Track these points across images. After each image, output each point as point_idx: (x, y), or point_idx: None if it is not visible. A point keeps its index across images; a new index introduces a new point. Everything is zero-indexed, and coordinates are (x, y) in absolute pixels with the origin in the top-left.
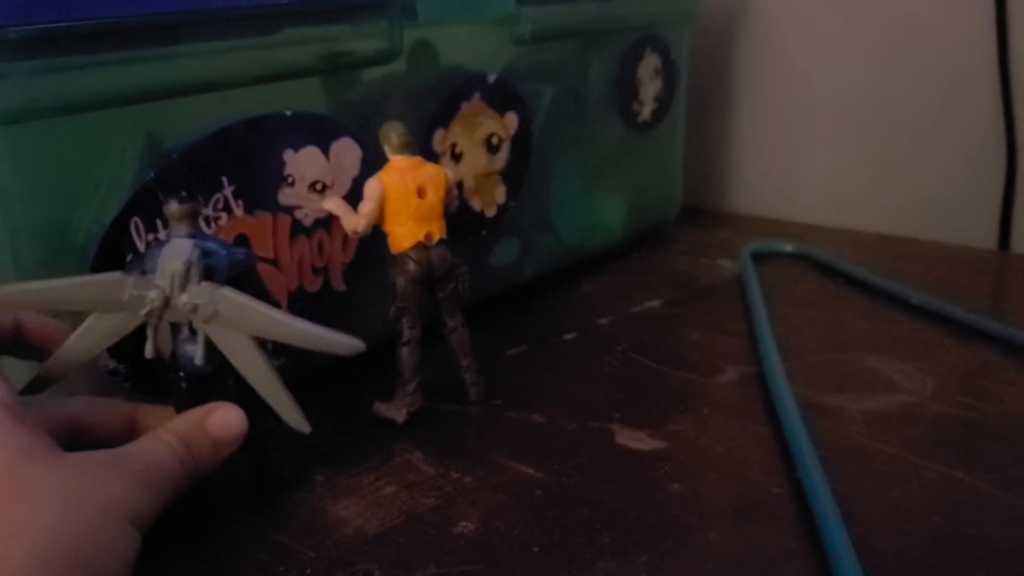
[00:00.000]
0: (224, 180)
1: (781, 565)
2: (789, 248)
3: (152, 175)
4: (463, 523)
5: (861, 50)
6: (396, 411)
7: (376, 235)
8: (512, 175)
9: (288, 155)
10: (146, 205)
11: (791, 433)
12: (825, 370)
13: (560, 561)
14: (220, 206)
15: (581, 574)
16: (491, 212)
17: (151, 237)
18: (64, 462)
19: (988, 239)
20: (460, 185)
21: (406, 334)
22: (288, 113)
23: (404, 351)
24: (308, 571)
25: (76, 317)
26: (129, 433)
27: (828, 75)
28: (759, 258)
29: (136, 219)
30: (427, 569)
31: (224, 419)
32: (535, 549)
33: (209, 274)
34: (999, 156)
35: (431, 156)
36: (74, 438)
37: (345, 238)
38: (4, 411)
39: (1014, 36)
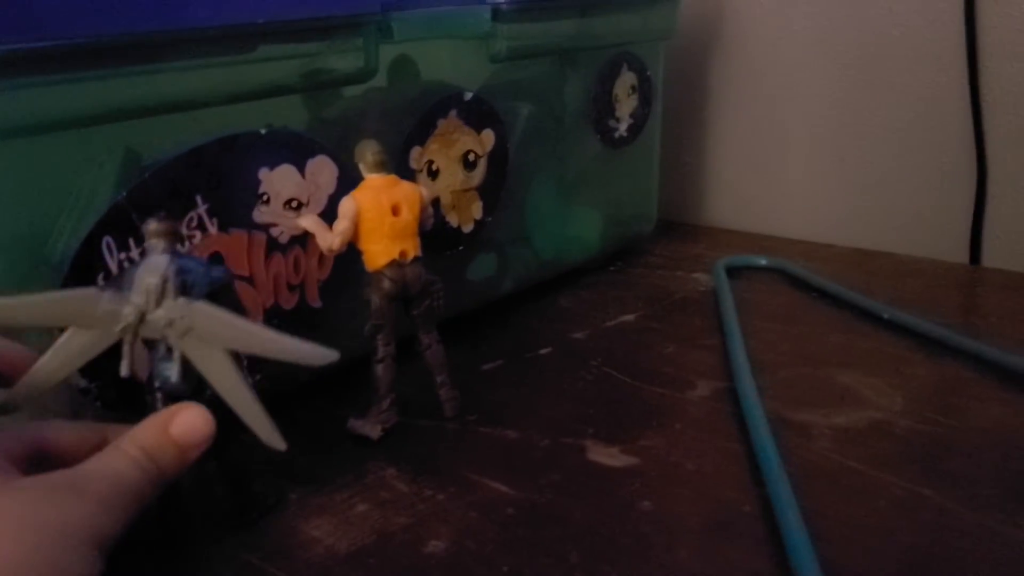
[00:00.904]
0: (198, 198)
1: None
2: (763, 262)
3: (124, 194)
4: (434, 542)
5: (835, 67)
6: (371, 427)
7: (352, 252)
8: (489, 191)
9: (263, 173)
10: (118, 224)
11: (760, 450)
12: (796, 385)
13: None
14: (194, 224)
15: None
16: (468, 228)
17: (123, 256)
18: (19, 488)
19: (959, 253)
20: (437, 201)
21: (381, 351)
22: (263, 131)
23: (379, 368)
24: None
25: (46, 336)
26: None
27: (802, 92)
28: (733, 272)
29: (108, 238)
30: None
31: (189, 422)
32: (505, 569)
33: (186, 290)
34: (970, 172)
35: (408, 173)
36: (40, 462)
37: (321, 256)
38: None
39: (983, 55)
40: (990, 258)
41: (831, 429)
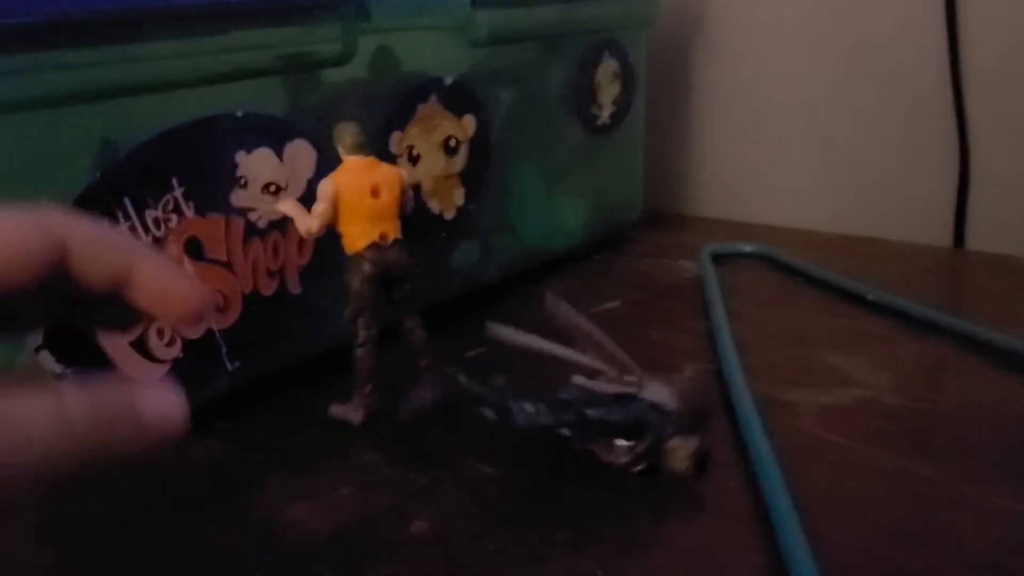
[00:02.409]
0: (174, 181)
1: (735, 558)
2: (748, 248)
3: (98, 176)
4: (418, 522)
5: (818, 54)
6: (353, 412)
7: (332, 237)
8: (471, 177)
9: (240, 156)
10: (92, 206)
11: (747, 428)
12: (783, 366)
13: (515, 559)
14: (170, 207)
15: (535, 571)
16: (450, 214)
17: None
18: None
19: (943, 237)
20: (418, 187)
21: (362, 335)
22: (239, 114)
23: (360, 352)
24: (258, 569)
25: None
26: None
27: (786, 79)
28: (719, 259)
29: None
30: (380, 570)
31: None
32: (490, 547)
33: None
34: (952, 157)
35: (388, 158)
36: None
37: (301, 240)
38: None
39: (964, 41)
40: (974, 241)
41: (818, 407)
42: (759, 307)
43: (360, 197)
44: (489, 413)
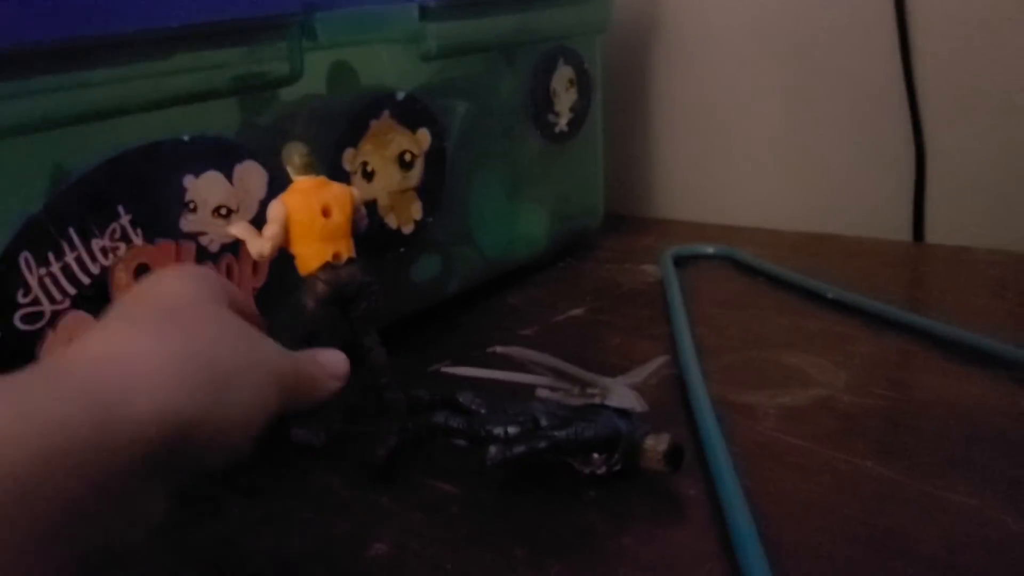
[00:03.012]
0: (120, 208)
1: (694, 568)
2: (710, 250)
3: (42, 207)
4: (377, 545)
5: (773, 55)
6: (314, 435)
7: (287, 258)
8: (428, 191)
9: (189, 180)
10: (36, 239)
11: (704, 432)
12: (742, 368)
13: None
14: (117, 236)
15: None
16: (408, 229)
17: (43, 272)
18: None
19: (903, 232)
20: (374, 203)
21: None
22: (186, 138)
23: None
24: None
25: None
26: None
27: (741, 80)
28: (681, 261)
29: (26, 253)
30: None
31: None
32: (448, 567)
33: None
34: (908, 152)
35: (342, 175)
36: None
37: (255, 263)
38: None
39: (914, 37)
40: (933, 234)
41: (776, 409)
42: (720, 309)
43: (311, 217)
44: (462, 443)
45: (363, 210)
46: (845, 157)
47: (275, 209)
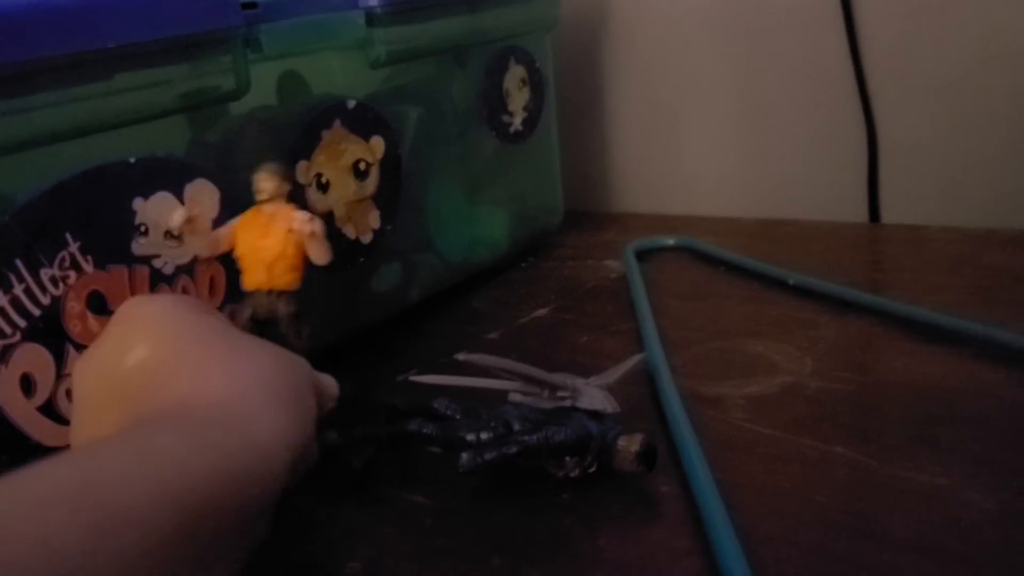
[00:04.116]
0: (68, 236)
1: (671, 565)
2: (671, 242)
3: None
4: (351, 564)
5: (721, 44)
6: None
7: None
8: (385, 199)
9: (138, 203)
10: None
11: (675, 427)
12: (709, 360)
13: None
14: (67, 264)
15: None
16: (367, 238)
17: None
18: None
19: (859, 213)
20: (330, 214)
21: None
22: (132, 159)
23: None
24: None
25: None
26: None
27: (691, 70)
28: (643, 255)
29: None
30: None
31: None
32: None
33: None
34: (860, 133)
35: (296, 188)
36: None
37: (211, 282)
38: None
39: (860, 18)
40: (888, 215)
41: (744, 399)
42: (684, 301)
43: (252, 240)
44: (435, 450)
45: (318, 245)
46: (799, 143)
47: (229, 222)
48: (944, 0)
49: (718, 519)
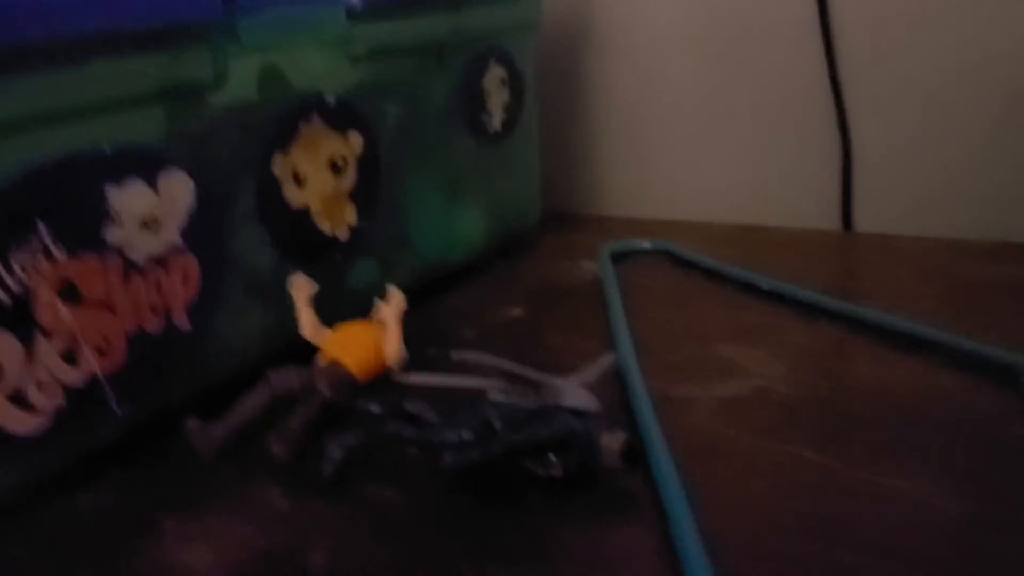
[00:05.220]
0: (39, 224)
1: (639, 564)
2: (647, 245)
3: None
4: (316, 558)
5: (701, 51)
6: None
7: (218, 268)
8: (362, 195)
9: (111, 192)
10: None
11: (643, 428)
12: (680, 362)
13: None
14: (38, 251)
15: None
16: (343, 235)
17: None
18: None
19: (832, 222)
20: (307, 210)
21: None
22: (107, 148)
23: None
24: None
25: None
26: None
27: (670, 76)
28: (619, 257)
29: None
30: None
31: None
32: None
33: None
34: (834, 142)
35: (271, 182)
36: None
37: (185, 274)
38: None
39: (836, 26)
40: (861, 223)
41: (714, 402)
42: (658, 304)
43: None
44: (414, 452)
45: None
46: (774, 150)
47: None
48: (921, 11)
49: (683, 521)
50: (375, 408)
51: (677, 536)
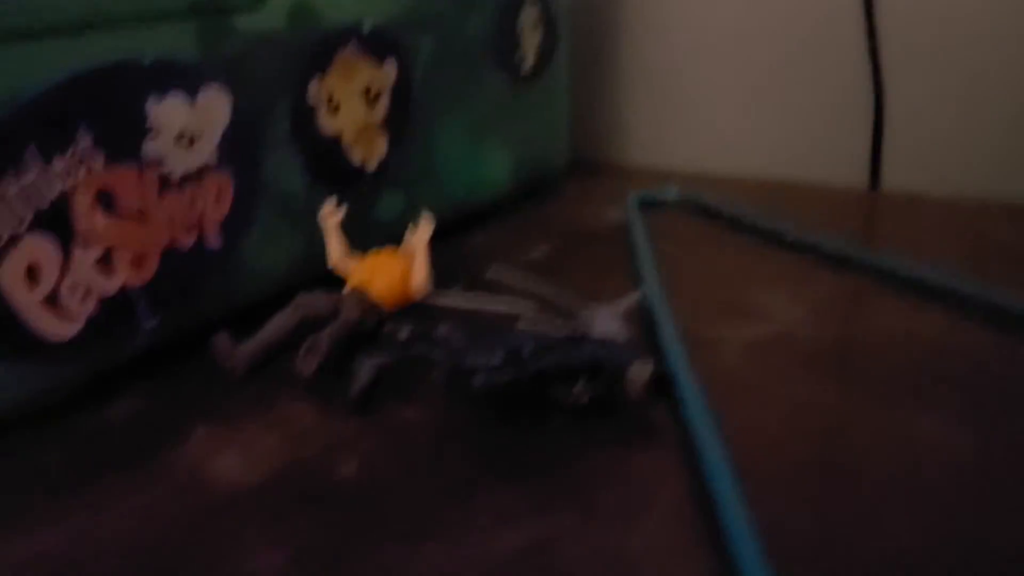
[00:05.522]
0: (80, 131)
1: (658, 485)
2: (674, 194)
3: (1, 127)
4: (344, 469)
5: (737, 2)
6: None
7: (253, 187)
8: (393, 127)
9: (151, 105)
10: None
11: (671, 360)
12: (705, 305)
13: (442, 499)
14: (78, 158)
15: (463, 509)
16: (372, 166)
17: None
18: None
19: (860, 179)
20: (339, 137)
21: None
22: (148, 60)
23: None
24: (175, 526)
25: None
26: None
27: (705, 27)
28: (645, 205)
29: None
30: (303, 518)
31: None
32: (416, 490)
33: None
34: (868, 101)
35: (306, 108)
36: None
37: (219, 192)
38: None
39: None
40: (890, 181)
41: (738, 343)
42: (684, 251)
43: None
44: (440, 376)
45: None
46: (804, 103)
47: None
48: None
49: (710, 442)
50: (403, 331)
51: (704, 458)
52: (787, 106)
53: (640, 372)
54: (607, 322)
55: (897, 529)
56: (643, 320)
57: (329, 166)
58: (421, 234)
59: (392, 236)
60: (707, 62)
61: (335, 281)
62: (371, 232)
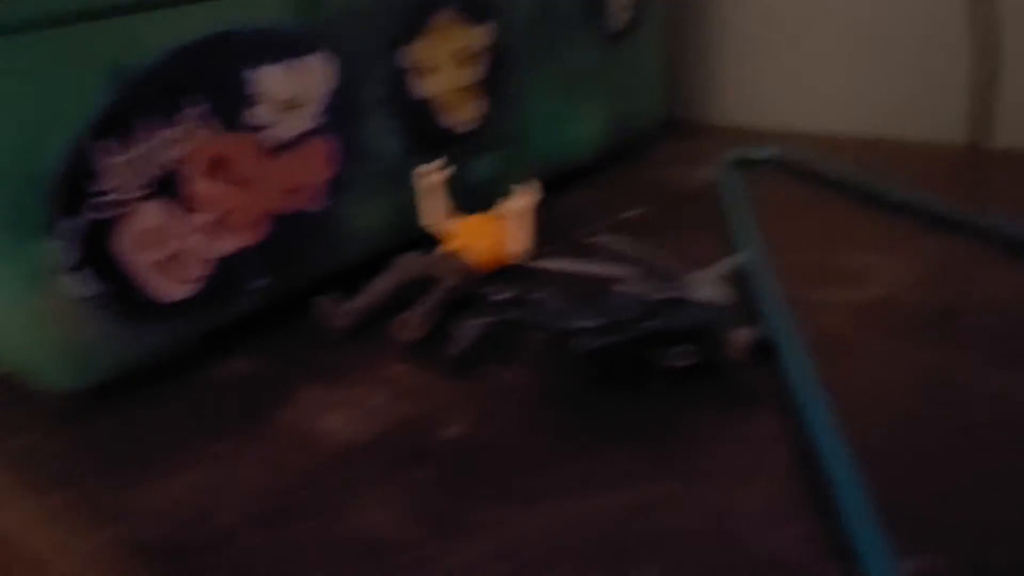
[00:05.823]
0: (189, 101)
1: (762, 450)
2: (769, 154)
3: (115, 97)
4: (451, 428)
5: None
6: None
7: (353, 151)
8: (487, 89)
9: (256, 72)
10: (108, 130)
11: (774, 324)
12: (805, 267)
13: (549, 458)
14: (187, 128)
15: (570, 470)
16: (464, 128)
17: (113, 162)
18: None
19: (959, 135)
20: (434, 101)
21: None
22: (252, 28)
23: None
24: (294, 479)
25: None
26: None
27: None
28: (740, 165)
29: (96, 143)
30: (414, 473)
31: None
32: (524, 450)
33: None
34: (966, 52)
35: (401, 71)
36: None
37: (322, 157)
38: None
39: None
40: (1001, 139)
41: (842, 305)
42: (782, 211)
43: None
44: (540, 339)
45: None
46: (904, 60)
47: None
48: None
49: (817, 406)
50: (503, 295)
51: (809, 419)
52: (884, 61)
53: (742, 336)
54: (707, 285)
55: (1011, 491)
56: (744, 283)
57: (424, 129)
58: (525, 200)
59: (485, 197)
60: (800, 18)
61: (427, 243)
62: (464, 193)
